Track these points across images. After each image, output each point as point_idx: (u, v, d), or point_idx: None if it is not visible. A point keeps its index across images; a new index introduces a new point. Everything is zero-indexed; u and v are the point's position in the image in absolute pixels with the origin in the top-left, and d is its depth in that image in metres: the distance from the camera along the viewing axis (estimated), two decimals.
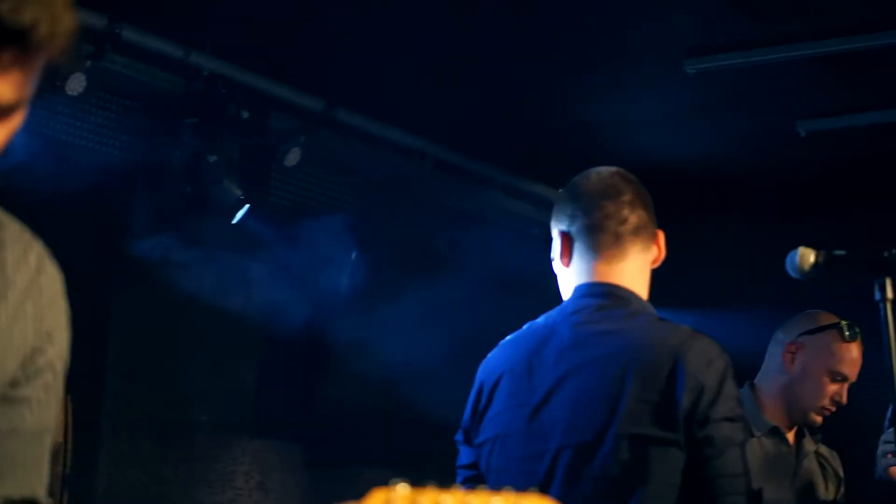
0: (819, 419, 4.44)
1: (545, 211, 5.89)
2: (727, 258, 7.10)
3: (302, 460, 6.33)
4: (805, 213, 6.92)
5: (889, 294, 2.93)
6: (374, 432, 6.35)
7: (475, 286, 6.00)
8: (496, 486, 3.03)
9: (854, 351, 4.42)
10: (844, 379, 4.41)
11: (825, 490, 4.53)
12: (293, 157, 5.56)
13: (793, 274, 3.03)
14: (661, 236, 3.17)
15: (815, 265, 3.00)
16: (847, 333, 4.41)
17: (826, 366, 4.41)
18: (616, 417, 2.85)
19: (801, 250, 3.01)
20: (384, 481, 1.33)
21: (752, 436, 4.30)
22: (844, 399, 4.42)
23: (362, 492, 1.32)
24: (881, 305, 2.92)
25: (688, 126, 6.22)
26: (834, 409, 4.43)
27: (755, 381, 4.58)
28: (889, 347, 2.88)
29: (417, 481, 1.35)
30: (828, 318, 4.47)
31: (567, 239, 3.11)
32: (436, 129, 6.16)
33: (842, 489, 4.56)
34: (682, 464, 2.81)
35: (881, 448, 4.06)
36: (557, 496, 2.89)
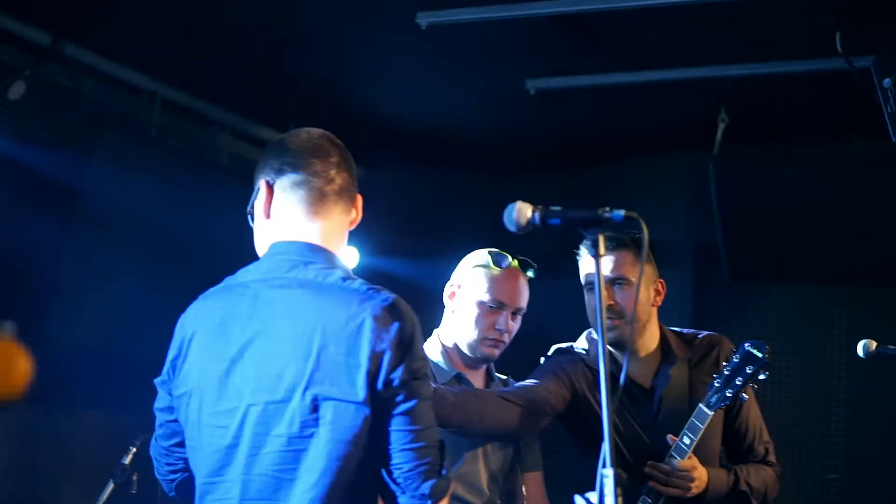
0: (492, 351, 4.54)
1: None
2: (456, 213, 7.20)
3: None
4: (533, 171, 7.10)
5: (601, 250, 3.03)
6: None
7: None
8: (193, 441, 3.05)
9: (507, 278, 4.56)
10: (501, 306, 4.53)
11: None
12: (17, 91, 5.51)
13: (510, 228, 3.09)
14: (360, 200, 3.22)
15: (532, 220, 3.07)
16: (493, 262, 4.56)
17: (479, 296, 4.55)
18: (303, 377, 2.89)
19: (519, 205, 3.07)
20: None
21: (438, 384, 4.37)
22: (509, 326, 4.55)
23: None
24: (595, 261, 3.03)
25: (422, 81, 6.25)
26: (501, 337, 4.55)
27: (438, 328, 4.68)
28: (599, 294, 2.99)
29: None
30: (480, 254, 4.63)
31: (270, 191, 3.13)
32: (166, 69, 6.05)
33: None
34: (369, 423, 2.88)
35: None
36: (247, 454, 2.94)
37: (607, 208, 3.03)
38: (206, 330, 3.06)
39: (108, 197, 5.58)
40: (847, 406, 6.34)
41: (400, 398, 2.89)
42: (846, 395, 6.33)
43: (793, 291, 6.46)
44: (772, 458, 4.77)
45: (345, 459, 2.89)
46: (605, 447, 2.87)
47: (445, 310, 4.66)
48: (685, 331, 4.91)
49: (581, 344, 4.67)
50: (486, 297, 4.51)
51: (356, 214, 3.22)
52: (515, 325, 4.57)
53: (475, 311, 4.52)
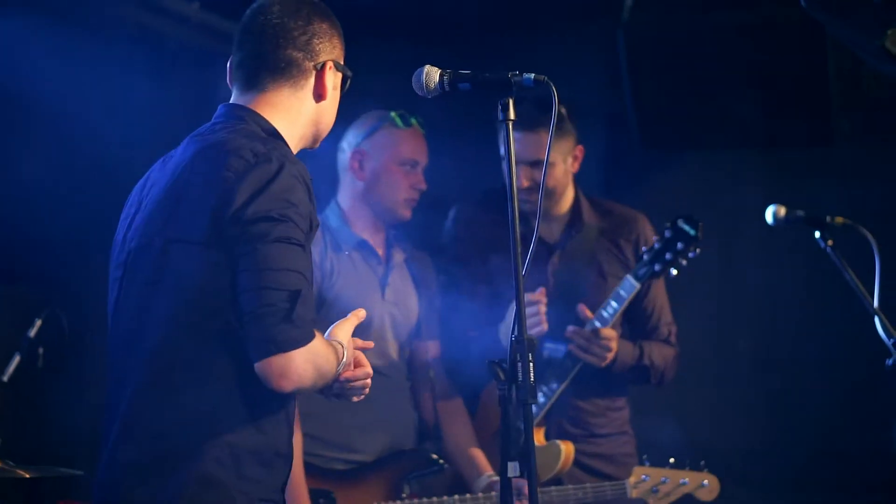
0: (407, 212, 4.57)
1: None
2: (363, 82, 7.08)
3: None
4: (439, 42, 6.99)
5: (511, 114, 3.01)
6: None
7: None
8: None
9: (415, 136, 4.60)
10: (416, 164, 4.57)
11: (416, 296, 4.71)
12: None
13: (419, 92, 3.07)
14: (328, 76, 3.12)
15: (440, 84, 3.04)
16: (400, 122, 4.57)
17: (394, 158, 4.55)
18: (168, 222, 2.86)
19: (427, 69, 3.04)
20: None
21: (341, 251, 4.40)
22: (423, 184, 4.60)
23: None
24: (503, 125, 3.00)
25: None
26: (417, 196, 4.59)
27: (338, 197, 4.66)
28: (509, 162, 2.97)
29: None
30: (378, 115, 4.61)
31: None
32: None
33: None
34: (217, 266, 2.78)
35: None
36: (114, 307, 2.97)
37: (517, 72, 3.01)
38: (140, 187, 3.12)
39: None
40: (758, 273, 6.42)
41: (247, 237, 2.75)
42: (757, 261, 6.40)
43: (703, 158, 6.48)
44: (673, 339, 4.86)
45: (189, 306, 2.80)
46: (516, 313, 2.89)
47: (344, 176, 4.64)
48: (604, 200, 4.94)
49: None
50: (402, 158, 4.51)
51: (322, 89, 3.12)
52: (424, 182, 4.62)
53: (391, 173, 4.52)
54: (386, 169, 4.54)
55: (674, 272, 4.64)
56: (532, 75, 3.00)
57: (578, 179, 5.04)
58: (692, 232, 4.60)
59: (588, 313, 4.62)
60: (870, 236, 4.36)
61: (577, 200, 4.84)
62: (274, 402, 2.86)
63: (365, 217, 4.59)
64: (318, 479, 4.28)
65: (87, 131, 5.31)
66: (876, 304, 4.24)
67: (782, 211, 4.56)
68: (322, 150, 3.35)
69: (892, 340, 4.15)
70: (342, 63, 3.16)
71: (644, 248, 4.68)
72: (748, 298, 6.48)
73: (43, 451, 4.82)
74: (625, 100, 6.36)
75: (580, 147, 4.79)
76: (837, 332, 6.03)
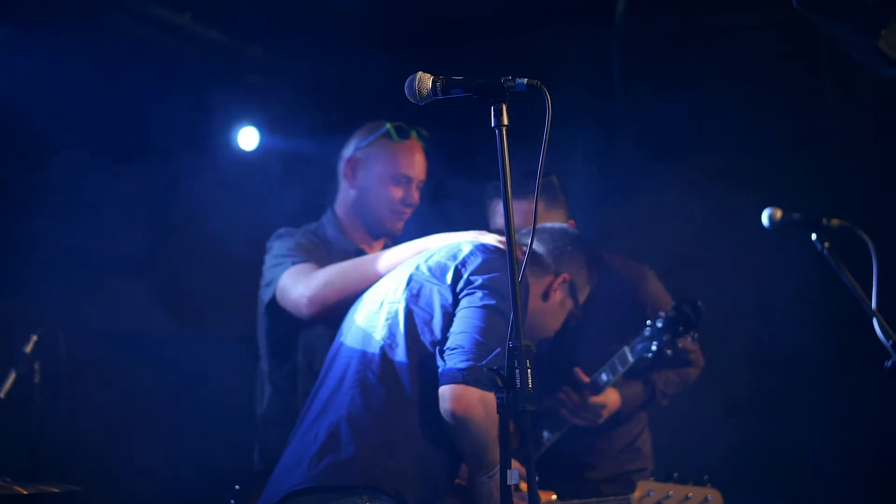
0: (396, 225, 4.56)
1: None
2: (359, 90, 7.07)
3: None
4: (431, 47, 6.98)
5: (504, 120, 2.99)
6: None
7: None
8: None
9: (412, 150, 4.57)
10: (408, 180, 4.54)
11: None
12: None
13: (412, 99, 3.06)
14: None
15: (433, 90, 3.03)
16: (395, 135, 4.54)
17: (385, 170, 4.53)
18: None
19: (419, 75, 3.03)
20: None
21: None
22: (416, 199, 4.57)
23: None
24: (497, 130, 2.99)
25: None
26: (406, 211, 4.57)
27: (335, 205, 4.66)
28: (503, 170, 2.95)
29: None
30: (378, 126, 4.59)
31: None
32: None
33: None
34: None
35: None
36: None
37: (510, 77, 3.00)
38: None
39: None
40: (758, 275, 6.41)
41: None
42: (755, 265, 6.39)
43: (698, 162, 6.46)
44: (694, 358, 4.88)
45: None
46: (514, 321, 2.88)
47: (342, 184, 4.62)
48: (605, 254, 4.94)
49: None
50: (393, 172, 4.48)
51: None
52: (417, 198, 4.58)
53: (381, 185, 4.49)
54: (377, 181, 4.52)
55: (668, 353, 4.68)
56: (525, 80, 2.99)
57: (572, 188, 5.04)
58: (694, 316, 4.66)
59: (583, 377, 4.69)
60: (867, 238, 4.35)
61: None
62: None
63: (358, 225, 4.56)
64: None
65: (82, 144, 5.30)
66: (874, 305, 4.22)
67: (778, 213, 4.55)
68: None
69: (890, 342, 4.14)
70: None
71: (647, 324, 4.69)
72: (743, 301, 6.46)
73: (40, 467, 4.81)
74: (618, 104, 6.35)
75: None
76: (834, 334, 6.02)
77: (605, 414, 4.69)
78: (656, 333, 4.65)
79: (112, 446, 4.45)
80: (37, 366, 4.84)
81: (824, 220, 4.46)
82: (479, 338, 3.55)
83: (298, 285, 4.18)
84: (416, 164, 4.54)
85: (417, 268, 3.78)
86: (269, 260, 4.44)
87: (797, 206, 4.64)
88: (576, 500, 4.45)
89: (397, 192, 4.50)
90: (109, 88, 5.35)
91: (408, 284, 3.76)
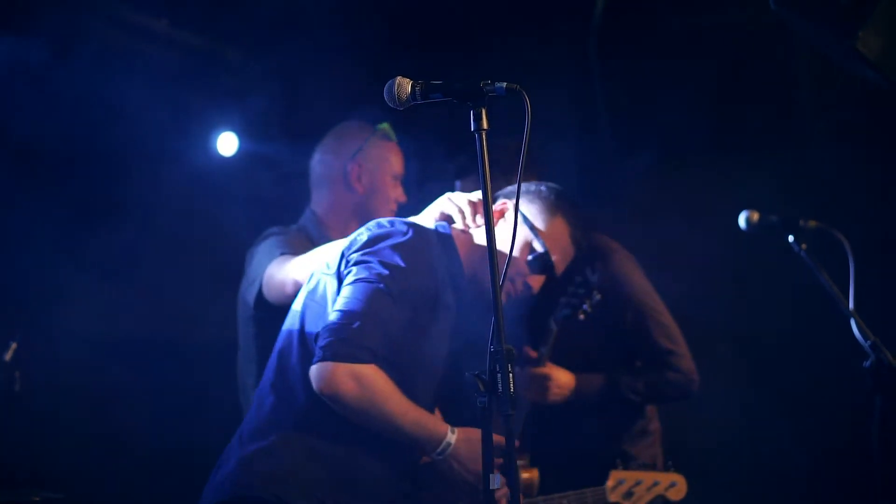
0: None
1: None
2: (336, 93, 7.07)
3: None
4: (409, 50, 6.98)
5: (484, 124, 2.99)
6: None
7: None
8: None
9: (397, 149, 4.67)
10: (399, 177, 4.65)
11: None
12: None
13: (391, 104, 3.05)
14: None
15: (413, 94, 3.03)
16: (392, 135, 4.63)
17: (389, 170, 4.62)
18: None
19: (399, 80, 3.03)
20: None
21: None
22: (404, 196, 4.67)
23: None
24: (476, 135, 2.99)
25: None
26: (396, 209, 4.66)
27: (313, 206, 4.69)
28: (483, 173, 2.95)
29: None
30: (364, 127, 4.66)
31: None
32: None
33: None
34: None
35: None
36: None
37: (489, 81, 2.99)
38: None
39: None
40: (735, 279, 6.43)
41: None
42: (734, 267, 6.40)
43: (676, 162, 6.47)
44: (676, 364, 4.90)
45: None
46: (494, 324, 2.88)
47: (330, 186, 4.65)
48: None
49: None
50: (393, 171, 4.59)
51: None
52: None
53: (385, 186, 4.57)
54: (382, 182, 4.60)
55: (581, 317, 4.73)
56: (504, 84, 2.99)
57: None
58: (594, 278, 4.76)
59: (532, 353, 4.75)
60: (843, 239, 4.38)
61: None
62: None
63: (344, 224, 4.61)
64: None
65: (58, 148, 5.28)
66: (851, 306, 4.25)
67: (755, 216, 4.59)
68: None
69: (868, 342, 4.16)
70: None
71: (562, 296, 4.76)
72: (725, 301, 6.47)
73: (21, 475, 4.79)
74: (597, 105, 6.36)
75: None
76: (813, 335, 6.04)
77: (556, 389, 4.71)
78: (569, 298, 4.73)
79: (94, 454, 4.43)
80: (17, 374, 4.83)
81: (801, 222, 4.49)
82: (343, 312, 3.50)
83: (284, 268, 4.26)
84: (402, 161, 4.68)
85: (326, 264, 3.76)
86: (255, 258, 4.47)
87: (773, 206, 4.68)
88: (555, 495, 4.49)
89: (395, 191, 4.62)
90: (86, 91, 5.34)
91: (309, 281, 3.79)
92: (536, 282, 3.88)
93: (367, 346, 3.48)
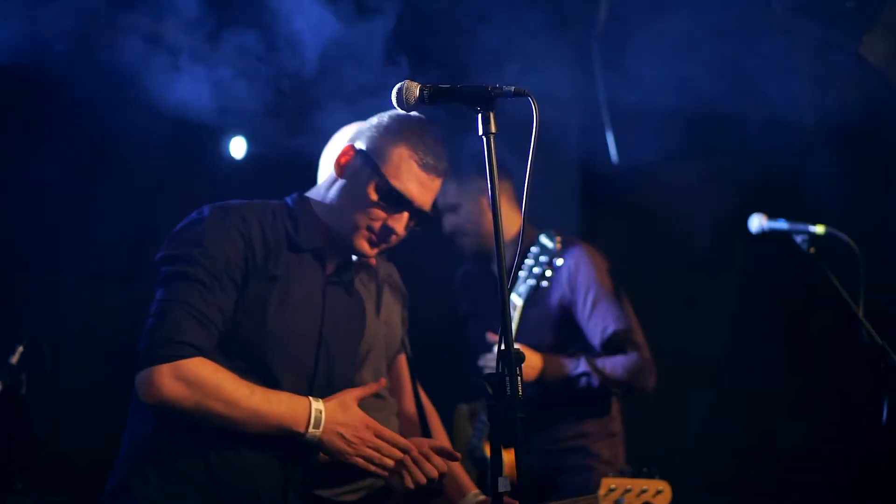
0: None
1: None
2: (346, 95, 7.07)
3: None
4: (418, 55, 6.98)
5: (491, 128, 2.99)
6: None
7: None
8: None
9: None
10: None
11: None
12: None
13: (399, 107, 3.05)
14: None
15: (421, 98, 3.03)
16: None
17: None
18: None
19: (407, 83, 3.04)
20: None
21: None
22: None
23: None
24: (484, 138, 2.99)
25: None
26: None
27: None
28: (491, 177, 2.95)
29: None
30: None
31: None
32: None
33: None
34: None
35: None
36: None
37: (497, 85, 3.00)
38: None
39: None
40: (737, 282, 6.43)
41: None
42: (737, 272, 6.41)
43: (680, 167, 6.48)
44: (634, 348, 5.00)
45: None
46: (502, 326, 2.88)
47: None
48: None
49: None
50: None
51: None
52: None
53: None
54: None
55: (545, 284, 4.82)
56: (512, 88, 2.99)
57: (557, 197, 5.11)
58: (551, 244, 4.85)
59: (493, 336, 4.83)
60: (852, 243, 4.39)
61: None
62: None
63: None
64: None
65: (65, 152, 5.28)
66: (861, 311, 4.26)
67: (764, 220, 4.61)
68: None
69: (876, 345, 4.17)
70: None
71: (522, 268, 4.84)
72: (725, 306, 6.48)
73: (26, 478, 4.79)
74: (600, 111, 6.36)
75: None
76: (816, 337, 6.05)
77: (526, 370, 4.73)
78: (529, 270, 4.85)
79: (97, 457, 4.40)
80: (23, 376, 4.82)
81: (810, 227, 4.50)
82: (153, 315, 3.29)
83: None
84: None
85: None
86: None
87: (780, 210, 4.69)
88: (551, 503, 4.51)
89: None
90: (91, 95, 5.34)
91: None
92: (398, 222, 3.64)
93: (184, 341, 3.24)
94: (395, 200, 3.59)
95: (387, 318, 4.04)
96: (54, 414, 5.15)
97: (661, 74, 6.10)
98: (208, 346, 3.28)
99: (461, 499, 4.37)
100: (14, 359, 4.78)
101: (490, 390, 2.87)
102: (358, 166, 3.64)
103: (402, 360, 4.26)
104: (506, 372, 2.85)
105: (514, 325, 4.70)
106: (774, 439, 6.25)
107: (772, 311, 6.40)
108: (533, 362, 4.81)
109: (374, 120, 3.74)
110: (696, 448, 6.08)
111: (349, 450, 3.36)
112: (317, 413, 3.33)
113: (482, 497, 4.11)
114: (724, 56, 5.92)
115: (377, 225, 3.62)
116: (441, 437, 4.29)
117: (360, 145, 3.67)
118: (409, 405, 4.29)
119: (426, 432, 4.20)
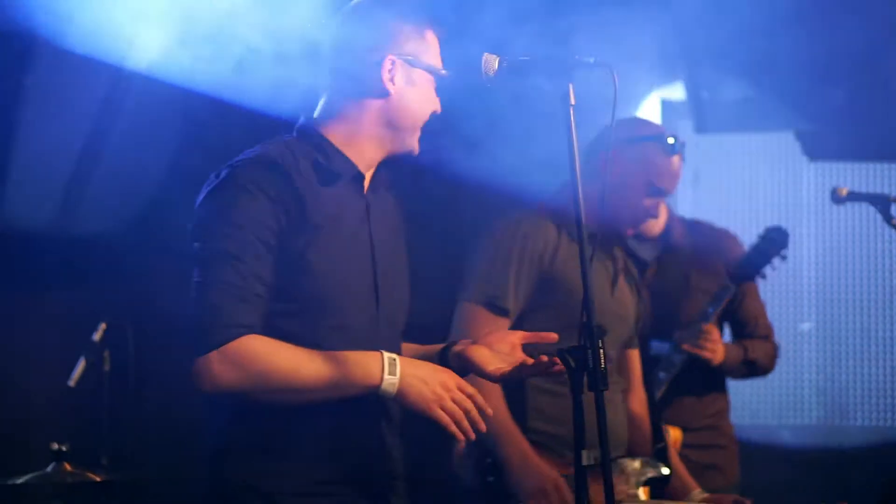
0: None
1: None
2: None
3: None
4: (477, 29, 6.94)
5: (571, 99, 2.98)
6: None
7: None
8: None
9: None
10: None
11: None
12: None
13: (479, 80, 3.04)
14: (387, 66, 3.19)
15: (500, 70, 3.02)
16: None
17: None
18: None
19: (486, 56, 3.03)
20: None
21: None
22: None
23: None
24: (564, 109, 2.97)
25: None
26: None
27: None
28: (573, 150, 2.93)
29: None
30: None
31: None
32: None
33: None
34: None
35: None
36: None
37: (576, 55, 2.97)
38: None
39: None
40: (818, 252, 6.38)
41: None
42: (816, 242, 6.36)
43: (758, 140, 6.43)
44: (772, 337, 5.20)
45: None
46: (584, 299, 2.85)
47: None
48: (696, 221, 5.30)
49: None
50: None
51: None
52: None
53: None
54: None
55: (765, 276, 4.94)
56: (592, 59, 2.97)
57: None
58: (781, 239, 4.89)
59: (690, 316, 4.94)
60: None
61: (669, 222, 5.06)
62: None
63: None
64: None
65: (146, 132, 5.32)
66: None
67: (844, 191, 4.56)
68: None
69: None
70: None
71: (745, 251, 4.99)
72: (809, 280, 6.43)
73: (111, 455, 4.85)
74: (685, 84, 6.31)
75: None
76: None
77: (716, 353, 4.86)
78: (749, 258, 4.94)
79: (182, 434, 4.44)
80: (106, 354, 4.87)
81: (892, 196, 4.45)
82: (193, 304, 3.04)
83: None
84: None
85: None
86: None
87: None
88: (666, 500, 4.39)
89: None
90: None
91: None
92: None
93: (228, 323, 2.99)
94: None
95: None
96: (137, 391, 5.19)
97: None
98: (254, 321, 3.02)
99: (685, 496, 4.34)
100: (97, 336, 4.84)
101: (572, 363, 2.85)
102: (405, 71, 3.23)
103: None
104: (588, 345, 2.83)
105: (720, 307, 4.90)
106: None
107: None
108: (720, 347, 4.93)
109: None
110: None
111: (432, 397, 3.01)
112: (390, 360, 3.01)
113: (705, 495, 4.16)
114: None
115: None
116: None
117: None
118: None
119: None
